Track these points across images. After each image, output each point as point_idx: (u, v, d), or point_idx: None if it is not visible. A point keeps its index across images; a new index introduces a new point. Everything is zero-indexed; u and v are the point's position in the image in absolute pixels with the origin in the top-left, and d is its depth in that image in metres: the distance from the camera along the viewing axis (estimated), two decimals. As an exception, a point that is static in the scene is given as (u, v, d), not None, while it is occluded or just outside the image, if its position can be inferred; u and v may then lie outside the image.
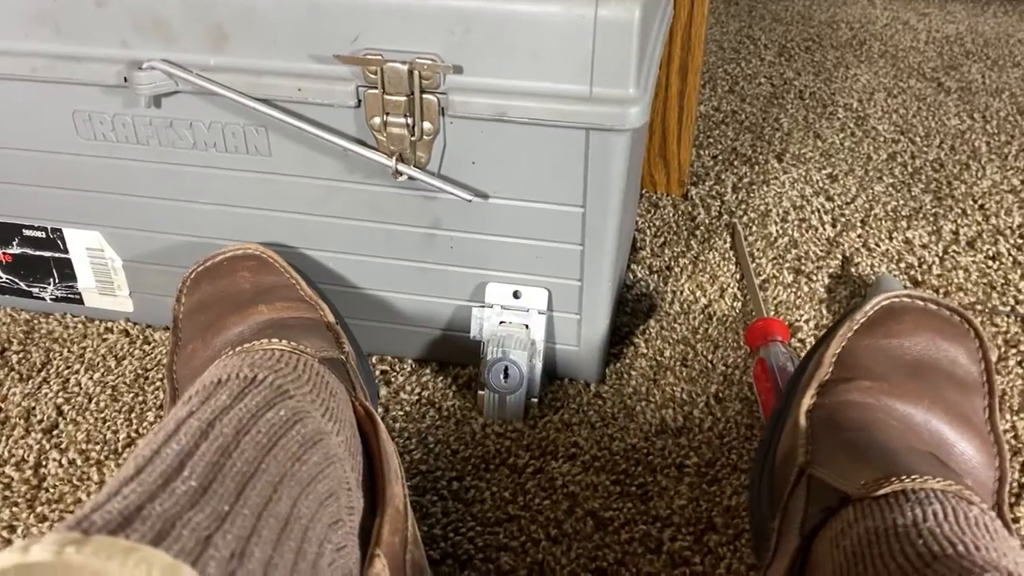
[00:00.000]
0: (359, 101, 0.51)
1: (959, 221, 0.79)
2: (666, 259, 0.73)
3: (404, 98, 0.50)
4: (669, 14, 0.63)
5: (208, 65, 0.52)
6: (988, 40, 1.21)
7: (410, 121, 0.51)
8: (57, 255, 0.63)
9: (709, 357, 0.62)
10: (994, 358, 0.51)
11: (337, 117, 0.52)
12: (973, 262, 0.73)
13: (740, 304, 0.68)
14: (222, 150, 0.55)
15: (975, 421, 0.43)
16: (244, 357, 0.42)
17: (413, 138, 0.51)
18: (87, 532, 0.26)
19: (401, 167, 0.52)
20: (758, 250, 0.74)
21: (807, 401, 0.43)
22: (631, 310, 0.67)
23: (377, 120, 0.51)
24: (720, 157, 0.89)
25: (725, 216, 0.79)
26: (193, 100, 0.53)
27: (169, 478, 0.31)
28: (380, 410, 0.58)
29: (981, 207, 0.81)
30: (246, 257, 0.53)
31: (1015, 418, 0.57)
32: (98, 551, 0.26)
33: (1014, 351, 0.63)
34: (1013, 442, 0.55)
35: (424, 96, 0.50)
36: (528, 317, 0.57)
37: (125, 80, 0.52)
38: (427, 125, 0.51)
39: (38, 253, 0.63)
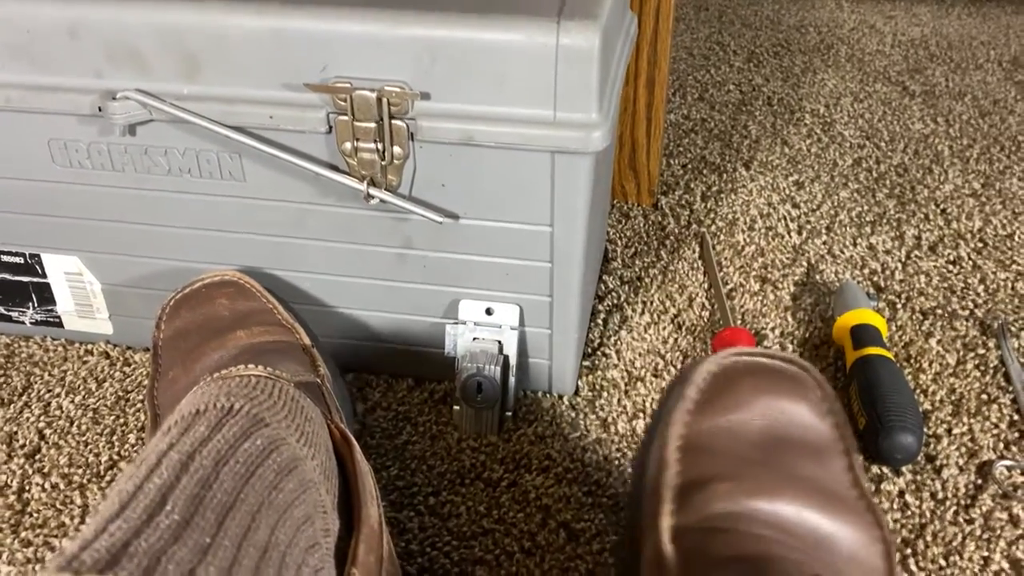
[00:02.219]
0: (330, 127, 0.52)
1: (921, 226, 0.81)
2: (636, 269, 0.75)
3: (374, 124, 0.51)
4: (633, 33, 0.65)
5: (181, 94, 0.53)
6: (952, 43, 1.23)
7: (380, 146, 0.52)
8: (36, 280, 0.64)
9: (679, 367, 0.64)
10: (840, 408, 0.43)
11: (309, 143, 0.53)
12: (935, 267, 0.75)
13: (708, 313, 0.70)
14: (197, 176, 0.56)
15: (843, 493, 0.39)
16: (221, 385, 0.44)
17: (383, 162, 0.53)
18: (78, 572, 0.28)
19: (372, 191, 0.53)
20: (726, 259, 0.76)
21: (667, 521, 0.38)
22: (603, 321, 0.69)
23: (348, 146, 0.52)
24: (690, 166, 0.91)
25: (694, 225, 0.81)
26: (167, 128, 0.54)
27: (152, 513, 0.32)
28: (357, 426, 0.59)
29: (943, 211, 0.83)
30: (224, 284, 0.55)
31: (972, 421, 0.59)
32: None
33: (972, 354, 0.65)
34: (970, 444, 0.57)
35: (393, 122, 0.51)
36: (500, 333, 0.59)
37: (100, 110, 0.53)
38: (397, 150, 0.52)
39: (17, 278, 0.64)
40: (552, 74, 0.49)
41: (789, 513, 0.38)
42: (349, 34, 0.49)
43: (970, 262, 0.76)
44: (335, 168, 0.54)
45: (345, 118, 0.51)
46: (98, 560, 0.28)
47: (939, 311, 0.70)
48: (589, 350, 0.66)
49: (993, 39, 1.25)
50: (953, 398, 0.61)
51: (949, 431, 0.58)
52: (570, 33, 0.48)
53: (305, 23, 0.50)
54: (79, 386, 0.62)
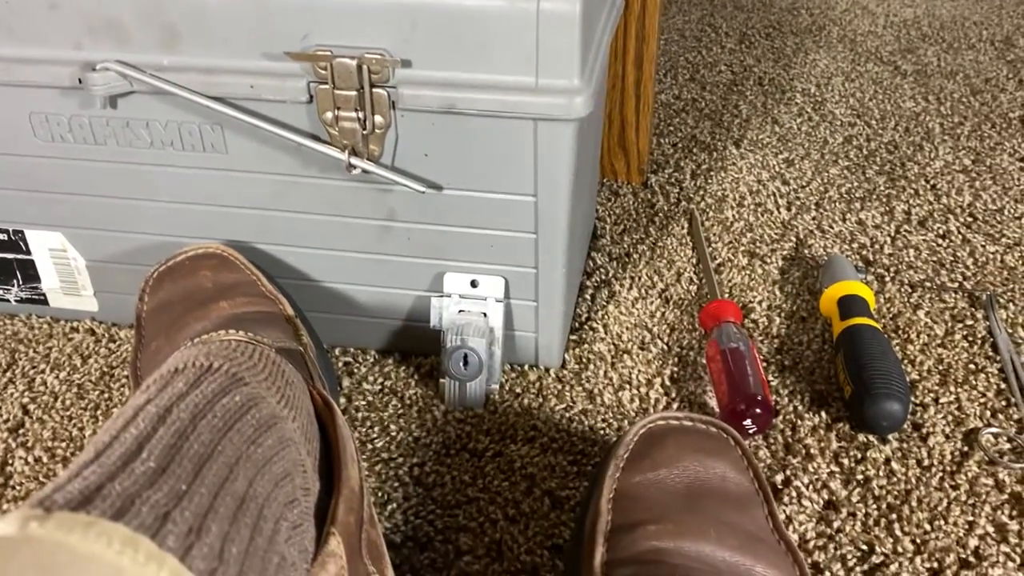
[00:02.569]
0: (311, 97, 0.52)
1: (911, 201, 0.81)
2: (625, 246, 0.75)
3: (354, 93, 0.51)
4: (619, 5, 0.65)
5: (162, 65, 0.53)
6: (944, 23, 1.23)
7: (361, 115, 0.52)
8: (20, 257, 0.63)
9: (665, 340, 0.64)
10: (761, 464, 0.50)
11: (290, 113, 0.53)
12: (924, 240, 0.75)
13: (696, 287, 0.69)
14: (179, 148, 0.56)
15: (765, 537, 0.42)
16: (201, 347, 0.43)
17: (365, 132, 0.52)
18: (48, 510, 0.28)
19: (354, 160, 0.53)
20: (714, 235, 0.76)
21: (599, 554, 0.41)
22: (591, 296, 0.69)
23: (329, 115, 0.52)
24: (680, 145, 0.91)
25: (683, 203, 0.81)
26: (149, 100, 0.54)
27: (128, 460, 0.32)
28: (343, 401, 0.59)
29: (933, 187, 0.83)
30: (207, 256, 0.54)
31: (959, 390, 0.59)
32: (60, 525, 0.27)
33: (960, 325, 0.65)
34: (957, 413, 0.57)
35: (374, 90, 0.51)
36: (486, 305, 0.58)
37: (80, 82, 0.53)
38: (378, 119, 0.52)
39: (0, 255, 0.64)
40: (534, 39, 0.48)
41: (713, 552, 0.40)
42: (329, 2, 0.49)
43: (959, 236, 0.75)
44: (317, 138, 0.53)
45: (326, 87, 0.51)
46: (70, 500, 0.28)
47: (927, 283, 0.69)
48: (576, 324, 0.66)
49: (986, 19, 1.24)
50: (940, 368, 0.61)
51: (936, 400, 0.58)
52: (550, -3, 0.47)
53: (284, -10, 0.49)
54: (64, 362, 0.62)
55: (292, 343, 0.50)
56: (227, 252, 0.55)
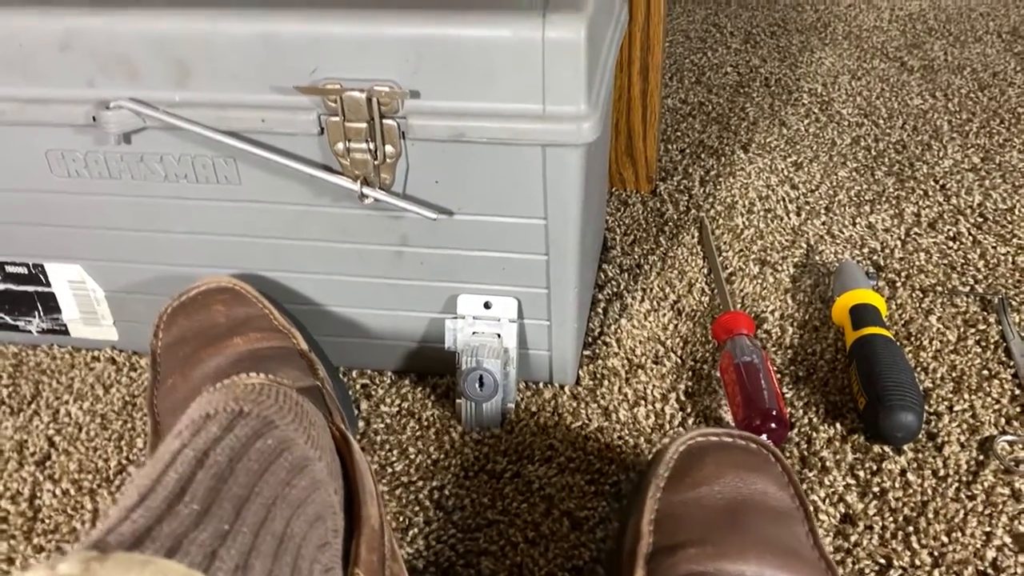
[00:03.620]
0: (322, 129, 0.52)
1: (921, 203, 0.81)
2: (636, 257, 0.75)
3: (364, 124, 0.51)
4: (623, 21, 0.65)
5: (173, 101, 0.53)
6: (950, 16, 1.22)
7: (372, 146, 0.52)
8: (40, 289, 0.64)
9: (679, 353, 0.64)
10: (800, 480, 0.51)
11: (302, 145, 0.54)
12: (934, 243, 0.75)
13: (708, 298, 0.70)
14: (193, 181, 0.57)
15: (802, 552, 0.42)
16: (227, 392, 0.44)
17: (376, 162, 0.53)
18: (104, 551, 0.29)
19: (366, 190, 0.54)
20: (725, 243, 0.76)
21: None
22: (603, 310, 0.69)
23: (340, 146, 0.53)
24: (688, 150, 0.91)
25: (693, 210, 0.81)
26: (162, 135, 0.55)
27: (172, 503, 0.34)
28: (362, 424, 0.60)
29: (942, 187, 0.83)
30: (220, 290, 0.55)
31: (973, 397, 0.59)
32: (119, 564, 0.28)
33: (972, 331, 0.65)
34: (971, 421, 0.58)
35: (384, 121, 0.52)
36: (499, 326, 0.59)
37: (94, 120, 0.54)
38: (389, 149, 0.53)
39: (21, 288, 0.65)
40: (539, 68, 0.49)
41: (754, 572, 0.40)
42: (336, 36, 0.50)
43: (970, 237, 0.76)
44: (329, 169, 0.54)
45: (336, 119, 0.52)
46: (123, 541, 0.30)
47: (939, 288, 0.70)
48: (590, 339, 0.66)
49: (992, 10, 1.24)
50: (954, 375, 0.61)
51: (950, 408, 0.59)
52: (556, 26, 0.48)
53: (292, 27, 0.50)
54: (86, 392, 0.63)
55: (310, 380, 0.51)
56: (239, 286, 0.56)
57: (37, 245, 0.62)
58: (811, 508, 0.45)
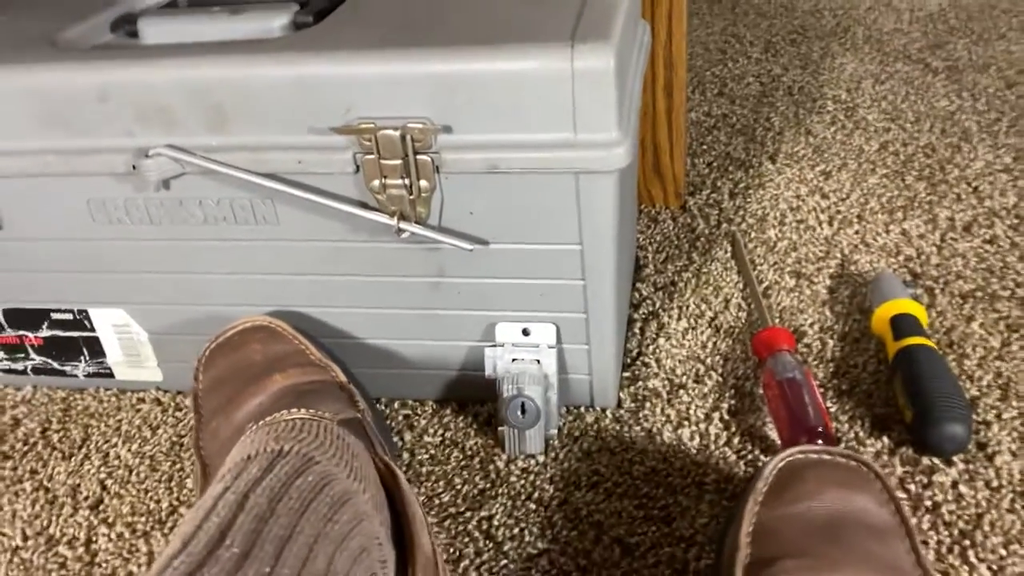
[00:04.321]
0: (357, 167, 0.53)
1: (954, 207, 0.80)
2: (669, 274, 0.75)
3: (399, 161, 0.52)
4: (647, 42, 0.65)
5: (211, 146, 0.54)
6: (971, 14, 1.21)
7: (407, 181, 0.53)
8: (85, 334, 0.66)
9: (720, 371, 0.64)
10: (903, 496, 0.51)
11: (338, 183, 0.54)
12: (970, 247, 0.74)
13: (745, 314, 0.70)
14: (232, 222, 0.58)
15: (904, 568, 0.42)
16: (268, 431, 0.45)
17: (412, 196, 0.54)
18: None
19: (403, 225, 0.54)
20: (759, 256, 0.76)
21: None
22: (640, 330, 0.69)
23: (376, 183, 0.53)
24: (715, 164, 0.91)
25: (724, 224, 0.81)
26: (200, 179, 0.56)
27: (213, 548, 0.34)
28: (406, 455, 0.60)
29: (975, 190, 0.82)
30: (256, 329, 0.56)
31: (1021, 404, 0.59)
32: None
33: (1016, 335, 0.64)
34: (1021, 429, 0.57)
35: (418, 157, 0.52)
36: (539, 352, 0.59)
37: (134, 168, 0.55)
38: (424, 183, 0.53)
39: (67, 334, 0.66)
40: (570, 97, 0.49)
41: None
42: (368, 76, 0.50)
43: (1007, 240, 0.75)
44: (365, 205, 0.55)
45: (372, 157, 0.52)
46: None
47: (979, 293, 0.69)
48: (628, 360, 0.66)
49: (1014, 5, 1.23)
50: (1000, 382, 0.60)
51: (999, 416, 0.58)
52: (584, 56, 0.48)
53: (325, 69, 0.51)
54: (134, 434, 0.64)
55: (350, 412, 0.51)
56: (274, 323, 0.57)
57: (81, 291, 0.63)
58: (913, 525, 0.45)
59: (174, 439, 0.63)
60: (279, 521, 0.37)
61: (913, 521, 0.51)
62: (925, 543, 0.50)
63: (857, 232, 0.78)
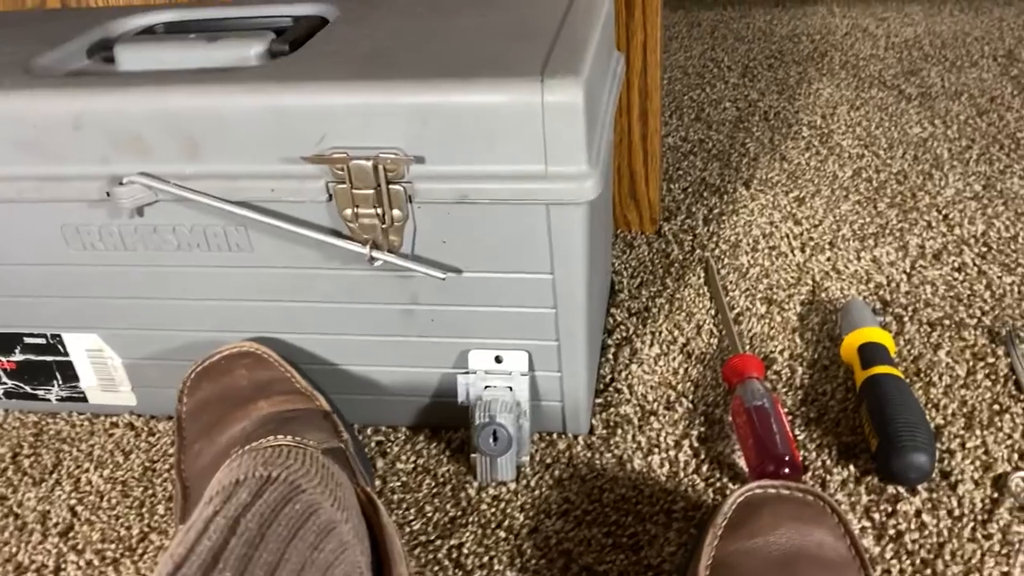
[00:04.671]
0: (330, 196, 0.54)
1: (924, 234, 0.81)
2: (643, 300, 0.76)
3: (372, 190, 0.53)
4: (620, 72, 0.66)
5: (184, 174, 0.55)
6: (945, 41, 1.24)
7: (379, 210, 0.53)
8: (59, 359, 0.66)
9: (690, 398, 0.65)
10: (857, 530, 0.52)
11: (311, 211, 0.55)
12: (940, 275, 0.76)
13: (717, 340, 0.70)
14: (205, 249, 0.58)
15: None
16: (256, 456, 0.46)
17: (384, 225, 0.54)
18: None
19: (375, 253, 0.55)
20: (731, 282, 0.77)
21: None
22: (613, 356, 0.70)
23: (348, 212, 0.54)
24: (690, 189, 0.92)
25: (698, 250, 0.82)
26: (174, 206, 0.56)
27: (207, 571, 0.35)
28: (378, 482, 0.60)
29: (945, 217, 0.83)
30: (242, 355, 0.56)
31: (985, 433, 0.59)
32: None
33: (981, 364, 0.65)
34: (984, 458, 0.58)
35: (390, 187, 0.53)
36: (511, 379, 0.60)
37: (108, 195, 0.55)
38: (396, 212, 0.54)
39: (40, 358, 0.66)
40: (540, 131, 0.50)
41: None
42: (342, 106, 0.51)
43: (975, 268, 0.76)
44: (338, 234, 0.55)
45: (344, 186, 0.53)
46: None
47: (946, 322, 0.70)
48: (601, 386, 0.67)
49: (987, 34, 1.25)
50: (965, 411, 0.61)
51: (963, 445, 0.59)
52: (554, 91, 0.49)
53: (299, 98, 0.51)
54: (107, 460, 0.64)
55: (334, 441, 0.52)
56: (260, 350, 0.57)
57: (55, 316, 0.63)
58: (867, 559, 0.45)
59: (147, 464, 0.63)
60: (268, 547, 0.38)
61: (876, 551, 0.52)
62: (888, 572, 0.51)
63: (829, 259, 0.79)
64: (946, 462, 0.58)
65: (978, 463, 0.57)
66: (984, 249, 0.78)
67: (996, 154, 0.93)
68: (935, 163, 0.92)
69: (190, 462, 0.54)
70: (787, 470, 0.55)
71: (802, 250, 0.80)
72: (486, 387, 0.60)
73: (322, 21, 0.66)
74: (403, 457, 0.62)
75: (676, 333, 0.72)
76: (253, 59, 0.58)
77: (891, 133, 0.99)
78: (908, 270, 0.76)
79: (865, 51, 1.23)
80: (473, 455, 0.59)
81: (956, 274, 0.75)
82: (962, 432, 0.60)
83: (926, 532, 0.53)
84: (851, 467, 0.58)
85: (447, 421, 0.64)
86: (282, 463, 0.43)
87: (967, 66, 1.15)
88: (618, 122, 0.81)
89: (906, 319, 0.71)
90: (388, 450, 0.63)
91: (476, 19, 0.61)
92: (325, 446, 0.50)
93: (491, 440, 0.58)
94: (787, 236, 0.82)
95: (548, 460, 0.61)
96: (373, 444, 0.63)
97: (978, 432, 0.60)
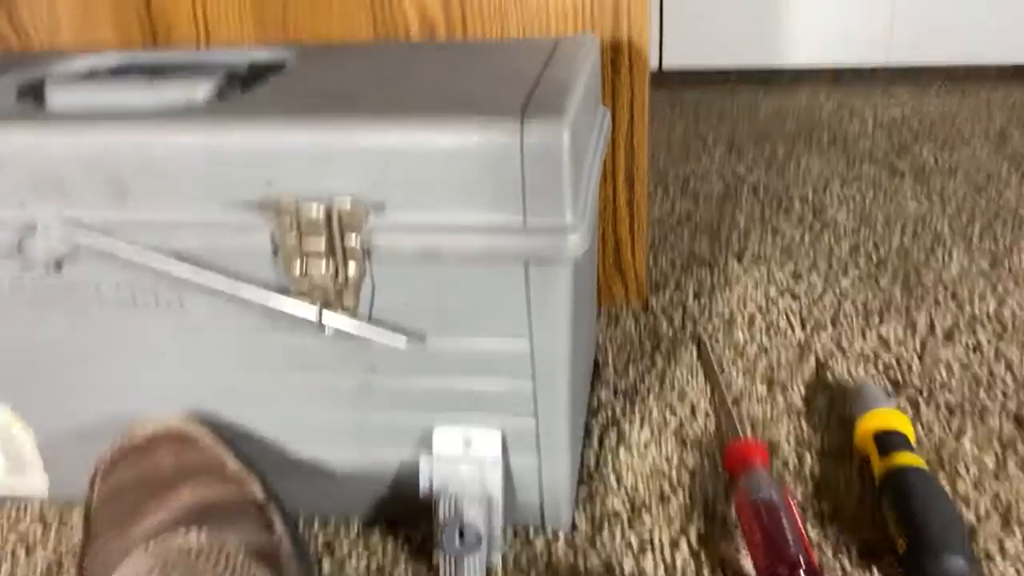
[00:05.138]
0: (275, 249, 0.47)
1: (933, 311, 0.75)
2: (631, 378, 0.69)
3: (323, 242, 0.46)
4: (606, 127, 0.61)
5: (110, 221, 0.48)
6: (934, 120, 1.21)
7: (332, 266, 0.46)
8: (-41, 436, 0.57)
9: (687, 488, 0.57)
10: None
11: (254, 266, 0.48)
12: (954, 355, 0.69)
13: (713, 423, 0.63)
14: (131, 306, 0.50)
15: None
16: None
17: (337, 284, 0.47)
18: None
19: (326, 317, 0.47)
20: (727, 360, 0.70)
21: None
22: (598, 440, 0.62)
23: (296, 267, 0.47)
24: (678, 262, 0.86)
25: (689, 326, 0.75)
26: (96, 260, 0.49)
27: None
28: (324, 586, 0.51)
29: (954, 295, 0.78)
30: (168, 435, 0.48)
31: (1025, 533, 0.52)
32: None
33: (1011, 452, 0.58)
34: (1028, 562, 0.50)
35: (345, 238, 0.46)
36: (481, 464, 0.52)
37: (19, 248, 0.48)
38: (351, 269, 0.47)
39: (-62, 435, 0.57)
40: (518, 176, 0.44)
41: None
42: (290, 145, 0.45)
43: (992, 348, 0.70)
44: (285, 292, 0.48)
45: (292, 235, 0.46)
46: None
47: (966, 406, 0.63)
48: (585, 475, 0.59)
49: (975, 114, 1.23)
50: (1000, 507, 0.54)
51: (1001, 547, 0.51)
52: (535, 131, 0.43)
53: (240, 138, 0.45)
54: (6, 556, 0.54)
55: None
56: (189, 428, 0.49)
57: (-44, 386, 0.55)
58: None
59: (52, 560, 0.54)
60: None
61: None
62: None
63: (832, 336, 0.72)
64: (985, 567, 0.50)
65: (1021, 567, 0.50)
66: (1000, 328, 0.72)
67: (1000, 231, 0.88)
68: (936, 239, 0.87)
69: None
70: (802, 574, 0.47)
71: (802, 327, 0.74)
72: (452, 474, 0.52)
73: (281, 66, 0.60)
74: (354, 557, 0.53)
75: (668, 415, 0.64)
76: (200, 101, 0.52)
77: (887, 208, 0.95)
78: (919, 349, 0.70)
79: (853, 129, 1.20)
80: (437, 555, 0.51)
81: (972, 354, 0.69)
82: (999, 532, 0.52)
83: (970, 653, 0.45)
84: (874, 569, 0.50)
85: (407, 515, 0.55)
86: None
87: (959, 144, 1.11)
88: (603, 187, 0.75)
89: (921, 402, 0.64)
90: (336, 549, 0.54)
91: (450, 63, 0.56)
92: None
93: (457, 538, 0.50)
94: (786, 312, 0.76)
95: (523, 561, 0.52)
96: (319, 541, 0.55)
97: (1018, 532, 0.52)
